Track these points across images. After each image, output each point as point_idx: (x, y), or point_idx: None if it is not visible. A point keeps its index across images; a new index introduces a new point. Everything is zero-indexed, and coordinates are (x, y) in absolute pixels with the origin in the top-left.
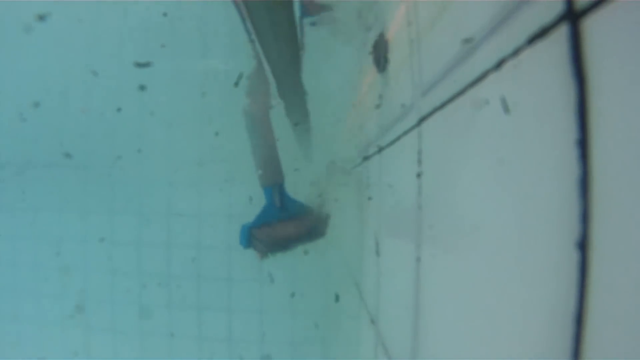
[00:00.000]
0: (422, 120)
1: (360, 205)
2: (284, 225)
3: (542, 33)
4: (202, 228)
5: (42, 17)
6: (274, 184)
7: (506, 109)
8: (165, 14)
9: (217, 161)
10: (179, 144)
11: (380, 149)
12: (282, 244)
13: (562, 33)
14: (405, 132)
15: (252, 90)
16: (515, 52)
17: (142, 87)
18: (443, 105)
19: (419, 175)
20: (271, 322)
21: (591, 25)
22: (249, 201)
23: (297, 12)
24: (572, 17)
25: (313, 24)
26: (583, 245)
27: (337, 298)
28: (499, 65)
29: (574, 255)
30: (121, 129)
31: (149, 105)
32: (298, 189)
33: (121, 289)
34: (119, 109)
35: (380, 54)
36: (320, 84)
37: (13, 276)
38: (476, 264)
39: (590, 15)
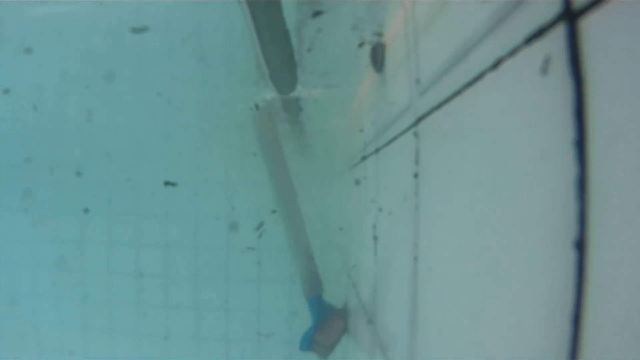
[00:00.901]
0: (419, 120)
1: (358, 204)
2: (331, 326)
3: (540, 33)
4: (200, 229)
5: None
6: (317, 295)
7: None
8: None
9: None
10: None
11: (378, 149)
12: (335, 343)
13: (560, 33)
14: (403, 132)
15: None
16: (513, 52)
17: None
18: (440, 105)
19: (416, 175)
20: (268, 322)
21: (589, 25)
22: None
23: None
24: (570, 16)
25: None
26: (580, 245)
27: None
28: (496, 65)
29: (571, 255)
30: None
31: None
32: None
33: (118, 288)
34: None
35: (377, 54)
36: (319, 84)
37: (10, 276)
38: (473, 264)
39: (588, 15)
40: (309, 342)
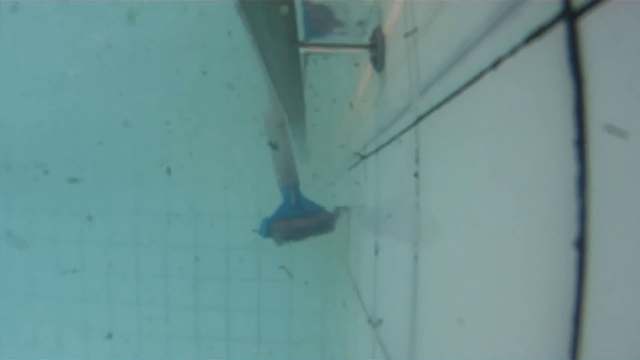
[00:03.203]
0: (419, 119)
1: (359, 204)
2: (297, 220)
3: (540, 32)
4: (201, 228)
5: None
6: (290, 185)
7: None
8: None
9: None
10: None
11: (378, 148)
12: (295, 236)
13: (559, 32)
14: (403, 131)
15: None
16: (513, 52)
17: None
18: (440, 105)
19: (416, 174)
20: (269, 322)
21: (589, 24)
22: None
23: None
24: (570, 16)
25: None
26: (581, 244)
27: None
28: (495, 64)
29: (571, 255)
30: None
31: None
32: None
33: (119, 290)
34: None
35: (377, 53)
36: (319, 84)
37: (9, 278)
38: (474, 263)
39: (587, 14)
40: (267, 227)
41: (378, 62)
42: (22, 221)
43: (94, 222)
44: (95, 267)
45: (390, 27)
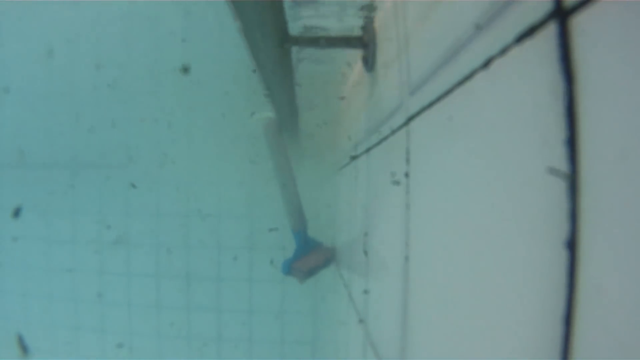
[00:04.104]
0: (410, 119)
1: (349, 204)
2: (311, 257)
3: (531, 31)
4: (193, 228)
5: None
6: (301, 229)
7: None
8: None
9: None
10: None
11: (369, 149)
12: (312, 271)
13: (550, 31)
14: (394, 131)
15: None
16: (504, 51)
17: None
18: (431, 105)
19: (407, 174)
20: (261, 322)
21: (580, 24)
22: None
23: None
24: (561, 15)
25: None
26: (572, 244)
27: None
28: (486, 64)
29: (562, 255)
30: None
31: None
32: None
33: (110, 290)
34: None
35: (368, 53)
36: (310, 84)
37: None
38: (464, 263)
39: (578, 14)
40: (289, 267)
41: (369, 62)
42: (19, 221)
43: (85, 221)
44: (86, 267)
45: (382, 26)
